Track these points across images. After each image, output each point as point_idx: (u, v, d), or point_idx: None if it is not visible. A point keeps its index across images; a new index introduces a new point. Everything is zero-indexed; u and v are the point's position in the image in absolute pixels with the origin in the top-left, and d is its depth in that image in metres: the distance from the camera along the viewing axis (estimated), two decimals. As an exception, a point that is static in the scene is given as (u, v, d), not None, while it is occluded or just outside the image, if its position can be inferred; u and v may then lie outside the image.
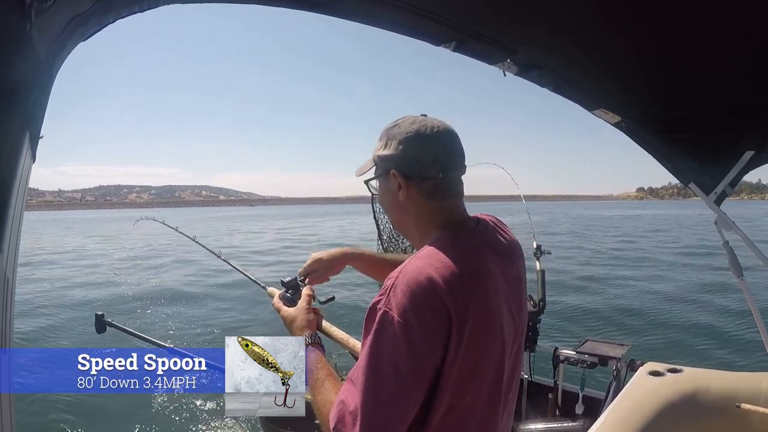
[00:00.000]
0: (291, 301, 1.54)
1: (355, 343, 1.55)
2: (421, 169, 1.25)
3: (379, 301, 1.09)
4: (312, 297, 1.53)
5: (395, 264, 1.45)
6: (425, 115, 1.31)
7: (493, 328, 1.16)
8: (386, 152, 1.28)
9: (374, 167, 1.34)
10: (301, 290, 1.56)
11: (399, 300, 1.06)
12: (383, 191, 1.34)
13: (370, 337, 1.08)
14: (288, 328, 1.47)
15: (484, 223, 1.33)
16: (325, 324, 1.55)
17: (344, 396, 1.09)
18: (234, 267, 2.35)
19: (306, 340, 1.36)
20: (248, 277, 2.15)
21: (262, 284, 1.90)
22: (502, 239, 1.32)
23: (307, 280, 1.65)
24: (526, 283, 1.35)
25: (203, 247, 2.66)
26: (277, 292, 1.64)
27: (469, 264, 1.15)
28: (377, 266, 1.73)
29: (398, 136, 1.26)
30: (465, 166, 1.31)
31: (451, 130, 1.30)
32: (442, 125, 1.28)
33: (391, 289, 1.08)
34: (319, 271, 1.67)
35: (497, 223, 1.37)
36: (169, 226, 2.96)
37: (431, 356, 1.08)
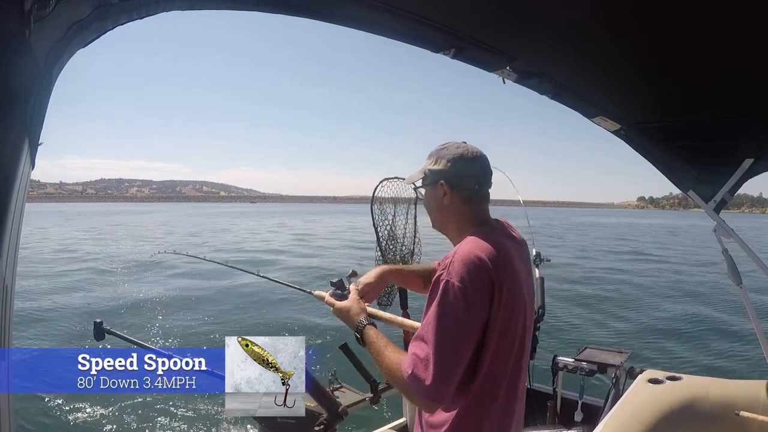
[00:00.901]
0: (342, 297, 1.83)
1: (402, 320, 1.97)
2: (463, 182, 1.64)
3: (442, 274, 1.45)
4: (358, 291, 1.84)
5: (421, 273, 2.11)
6: (465, 143, 1.68)
7: (519, 294, 1.54)
8: (436, 167, 1.66)
9: (423, 177, 1.72)
10: (348, 287, 1.86)
11: (458, 271, 1.44)
12: (430, 196, 1.73)
13: (435, 301, 1.44)
14: (344, 316, 1.77)
15: (502, 222, 1.74)
16: (371, 310, 1.84)
17: (414, 350, 1.44)
18: (276, 281, 2.58)
19: (363, 321, 1.67)
20: (292, 287, 2.41)
21: (308, 290, 2.20)
22: (514, 234, 1.74)
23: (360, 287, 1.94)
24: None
25: (238, 269, 2.75)
26: (324, 293, 1.95)
27: (501, 248, 1.54)
28: (409, 276, 2.13)
29: (447, 156, 1.65)
30: (492, 182, 1.70)
31: (485, 155, 1.69)
32: (478, 151, 1.67)
33: (450, 265, 1.45)
34: (369, 293, 1.96)
35: (509, 223, 1.77)
36: (196, 257, 2.96)
37: (482, 311, 1.45)
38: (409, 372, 1.42)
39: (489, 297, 1.46)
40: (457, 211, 1.67)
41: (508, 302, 1.49)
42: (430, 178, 1.68)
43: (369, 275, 2.00)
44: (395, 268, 2.13)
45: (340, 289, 1.87)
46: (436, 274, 1.49)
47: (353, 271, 1.99)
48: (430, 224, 1.86)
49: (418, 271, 2.13)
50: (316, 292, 2.07)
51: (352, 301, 1.78)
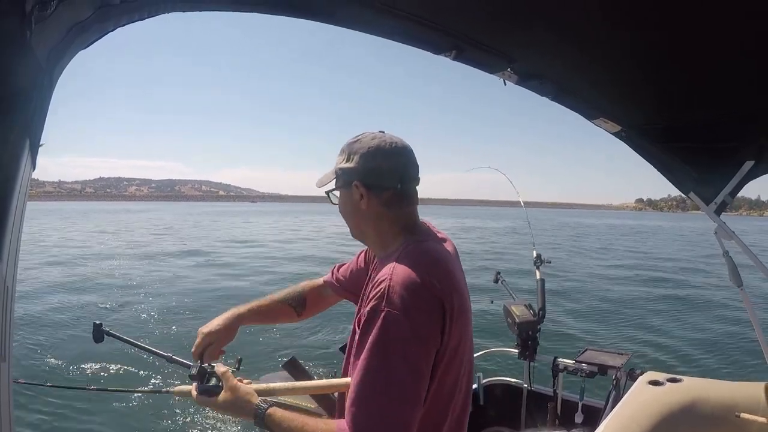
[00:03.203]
0: (216, 388, 1.44)
1: (302, 384, 1.55)
2: (382, 181, 1.38)
3: (378, 304, 1.18)
4: (230, 370, 1.47)
5: (288, 300, 1.84)
6: (383, 132, 1.43)
7: (466, 311, 1.32)
8: (349, 165, 1.40)
9: (335, 179, 1.47)
10: (215, 372, 1.48)
11: (400, 298, 1.16)
12: (344, 201, 1.46)
13: (373, 339, 1.16)
14: (234, 413, 1.40)
15: (427, 225, 1.50)
16: (261, 386, 1.49)
17: (355, 406, 1.14)
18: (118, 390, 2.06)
19: (261, 405, 1.32)
20: (137, 391, 1.93)
21: (164, 389, 1.71)
22: (441, 235, 1.49)
23: (204, 357, 1.64)
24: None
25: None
26: (187, 388, 1.55)
27: (443, 262, 1.31)
28: (271, 311, 1.85)
29: (360, 150, 1.39)
30: (419, 178, 1.44)
31: (407, 145, 1.44)
32: (399, 141, 1.42)
33: (387, 291, 1.18)
34: (213, 344, 1.68)
35: (432, 225, 1.52)
36: None
37: (434, 343, 1.21)
38: None
39: (440, 323, 1.22)
40: (376, 216, 1.41)
41: (457, 325, 1.26)
42: (343, 179, 1.43)
43: (211, 323, 1.71)
44: (247, 308, 1.81)
45: (204, 380, 1.48)
46: (371, 305, 1.20)
47: (239, 357, 1.62)
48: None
49: (283, 300, 1.87)
50: (177, 389, 1.62)
51: (231, 390, 1.39)
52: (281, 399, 2.20)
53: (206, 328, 1.69)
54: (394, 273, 1.21)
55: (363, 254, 1.82)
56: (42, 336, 9.26)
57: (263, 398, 1.36)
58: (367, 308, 1.21)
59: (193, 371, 1.49)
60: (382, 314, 1.16)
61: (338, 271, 1.92)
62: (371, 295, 1.22)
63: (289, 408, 1.51)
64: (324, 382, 1.57)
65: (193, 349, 1.67)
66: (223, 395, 1.39)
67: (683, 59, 1.58)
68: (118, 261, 20.22)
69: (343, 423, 1.16)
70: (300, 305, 1.89)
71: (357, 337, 1.25)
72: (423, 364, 1.19)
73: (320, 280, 1.97)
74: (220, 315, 1.74)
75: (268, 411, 1.29)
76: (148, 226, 45.89)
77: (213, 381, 1.46)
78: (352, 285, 1.83)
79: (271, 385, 1.50)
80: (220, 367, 1.47)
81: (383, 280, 1.21)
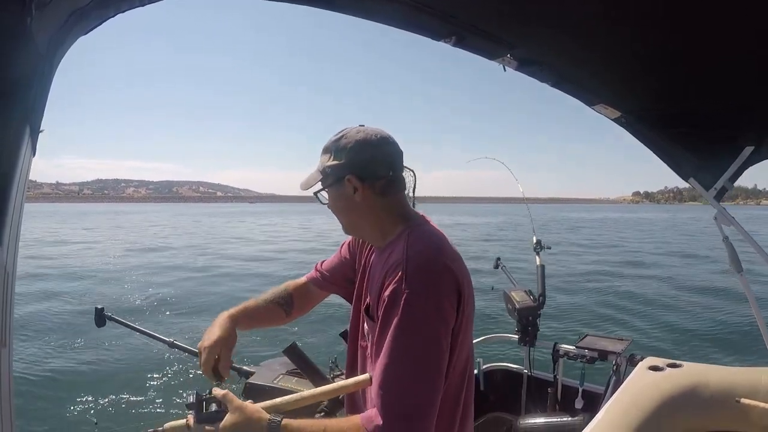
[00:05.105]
0: (218, 413, 1.31)
1: (312, 393, 1.40)
2: (375, 170, 1.41)
3: (398, 287, 1.21)
4: (229, 393, 1.35)
5: (277, 299, 1.83)
6: (363, 125, 1.47)
7: (472, 295, 1.35)
8: (337, 162, 1.42)
9: (323, 178, 1.47)
10: (214, 396, 1.35)
11: (420, 279, 1.21)
12: (336, 198, 1.47)
13: (398, 322, 1.19)
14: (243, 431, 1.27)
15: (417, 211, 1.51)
16: (267, 403, 1.36)
17: (382, 392, 1.17)
18: None
19: (274, 419, 1.24)
20: None
21: (151, 431, 1.45)
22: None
23: (219, 368, 1.57)
24: None
25: None
26: (181, 422, 1.39)
27: (449, 243, 1.35)
28: (261, 312, 1.79)
29: (348, 145, 1.41)
30: (404, 165, 1.49)
31: (390, 135, 1.47)
32: (382, 131, 1.46)
33: (405, 273, 1.22)
34: (221, 354, 1.59)
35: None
36: None
37: (453, 320, 1.25)
38: (381, 422, 1.13)
39: (457, 301, 1.26)
40: (373, 206, 1.42)
41: (468, 306, 1.31)
42: (333, 176, 1.43)
43: (210, 335, 1.60)
44: (239, 311, 1.73)
45: (201, 408, 1.34)
46: (390, 289, 1.22)
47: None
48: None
49: (271, 300, 1.82)
50: (168, 425, 1.42)
51: (237, 411, 1.28)
52: (280, 384, 2.21)
53: (207, 342, 1.59)
54: (409, 255, 1.25)
55: (346, 245, 1.82)
56: (42, 322, 9.30)
57: (272, 414, 1.26)
58: (387, 293, 1.23)
59: (191, 400, 1.34)
60: (404, 296, 1.19)
61: (322, 267, 1.90)
62: (387, 281, 1.25)
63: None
64: (334, 385, 1.44)
65: (202, 368, 1.58)
66: (230, 417, 1.28)
67: (682, 51, 1.57)
68: (119, 256, 20.29)
69: (369, 413, 1.18)
70: (288, 304, 1.85)
71: (377, 323, 1.27)
72: (445, 342, 1.22)
73: (303, 279, 1.94)
74: (213, 324, 1.65)
75: (283, 423, 1.23)
76: (146, 226, 45.88)
77: (213, 407, 1.34)
78: (338, 278, 1.84)
79: (277, 401, 1.36)
80: (218, 391, 1.36)
81: (398, 264, 1.24)
